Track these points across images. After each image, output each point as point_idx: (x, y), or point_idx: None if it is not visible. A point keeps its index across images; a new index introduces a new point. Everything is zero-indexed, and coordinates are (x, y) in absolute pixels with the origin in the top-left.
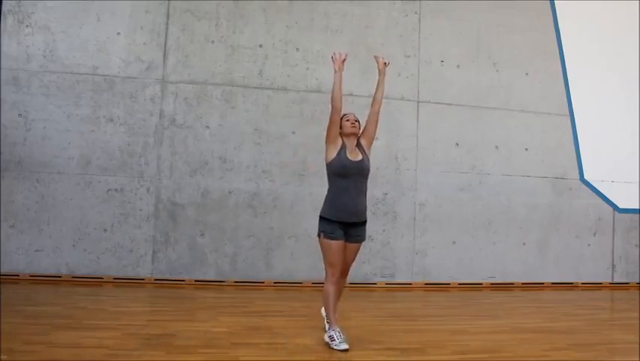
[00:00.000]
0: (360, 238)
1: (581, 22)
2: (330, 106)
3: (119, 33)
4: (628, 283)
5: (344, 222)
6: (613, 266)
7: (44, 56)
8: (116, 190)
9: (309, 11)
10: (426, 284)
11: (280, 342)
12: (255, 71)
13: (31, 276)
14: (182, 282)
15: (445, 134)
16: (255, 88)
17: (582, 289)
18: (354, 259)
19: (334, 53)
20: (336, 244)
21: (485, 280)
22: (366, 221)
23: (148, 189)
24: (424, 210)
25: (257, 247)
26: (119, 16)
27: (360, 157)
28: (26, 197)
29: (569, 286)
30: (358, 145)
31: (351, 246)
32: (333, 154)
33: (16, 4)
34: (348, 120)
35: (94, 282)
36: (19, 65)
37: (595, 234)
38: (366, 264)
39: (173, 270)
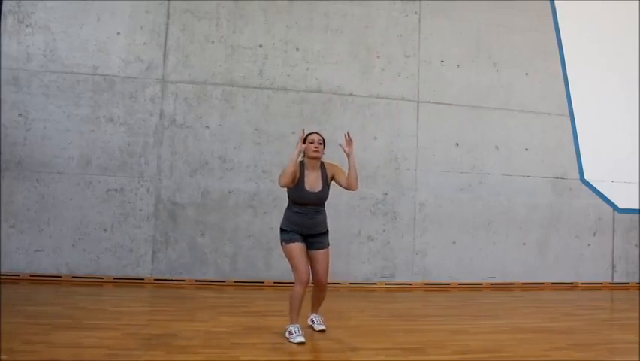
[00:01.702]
0: (322, 245)
1: (581, 22)
2: (280, 179)
3: (119, 33)
4: (628, 283)
5: (303, 233)
6: (613, 266)
7: (44, 56)
8: (116, 190)
9: (309, 11)
10: (426, 284)
11: (280, 342)
12: (255, 71)
13: (31, 276)
14: (182, 282)
15: (445, 134)
16: (255, 88)
17: (582, 289)
18: (327, 268)
19: (298, 143)
20: (296, 247)
21: (485, 280)
22: (326, 232)
23: (148, 189)
24: (424, 210)
25: (257, 247)
26: (119, 16)
27: (318, 188)
28: (26, 197)
29: (569, 286)
30: (322, 170)
31: (317, 253)
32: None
33: (16, 4)
34: (312, 143)
35: (94, 282)
36: (19, 65)
37: (595, 234)
38: (366, 264)
39: (173, 270)
